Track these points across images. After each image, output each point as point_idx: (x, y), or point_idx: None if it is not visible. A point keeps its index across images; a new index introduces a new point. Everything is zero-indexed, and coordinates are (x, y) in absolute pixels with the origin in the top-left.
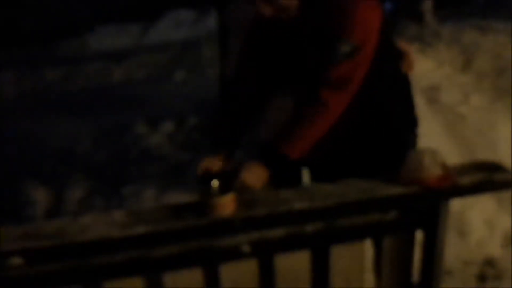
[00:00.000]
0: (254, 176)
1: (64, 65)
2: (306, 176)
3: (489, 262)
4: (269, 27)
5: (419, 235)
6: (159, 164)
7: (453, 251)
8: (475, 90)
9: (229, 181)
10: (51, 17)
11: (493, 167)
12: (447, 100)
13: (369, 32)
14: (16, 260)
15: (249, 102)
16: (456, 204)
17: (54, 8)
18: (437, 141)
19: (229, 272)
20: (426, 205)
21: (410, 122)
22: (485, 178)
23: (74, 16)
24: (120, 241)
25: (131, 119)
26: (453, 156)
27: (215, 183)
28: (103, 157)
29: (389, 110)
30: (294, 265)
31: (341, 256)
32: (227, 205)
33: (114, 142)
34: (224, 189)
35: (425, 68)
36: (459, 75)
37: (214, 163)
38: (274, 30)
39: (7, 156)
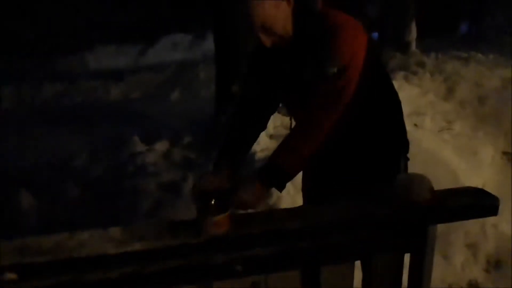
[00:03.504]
0: (251, 194)
1: (63, 81)
2: None
3: (473, 286)
4: (268, 54)
5: (407, 258)
6: (154, 180)
7: (438, 274)
8: (458, 117)
9: (226, 200)
10: (53, 33)
11: (480, 193)
12: (431, 126)
13: (355, 54)
14: (10, 276)
15: (251, 124)
16: (440, 227)
17: (57, 24)
18: (423, 166)
19: None
20: (414, 228)
21: (401, 145)
22: (472, 203)
23: (76, 34)
24: (116, 258)
25: (127, 136)
26: (438, 181)
27: (211, 201)
28: (99, 171)
29: (381, 133)
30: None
31: (331, 277)
32: (222, 223)
33: (111, 158)
34: (220, 208)
35: (410, 95)
36: (442, 103)
37: (211, 181)
38: (273, 56)
39: (2, 167)
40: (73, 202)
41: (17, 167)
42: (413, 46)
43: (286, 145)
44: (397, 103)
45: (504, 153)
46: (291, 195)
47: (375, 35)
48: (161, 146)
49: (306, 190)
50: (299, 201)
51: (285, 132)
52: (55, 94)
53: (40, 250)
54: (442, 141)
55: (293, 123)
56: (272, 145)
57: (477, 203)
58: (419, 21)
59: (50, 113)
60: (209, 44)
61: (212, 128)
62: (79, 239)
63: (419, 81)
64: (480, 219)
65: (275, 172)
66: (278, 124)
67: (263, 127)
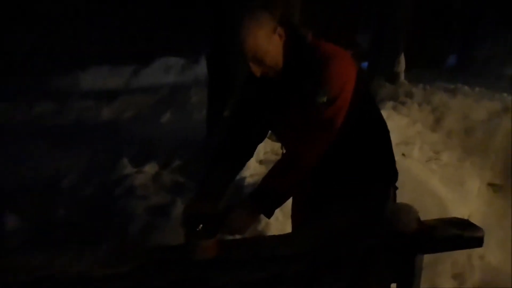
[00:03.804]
0: (240, 220)
1: (55, 100)
2: None
3: None
4: (259, 83)
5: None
6: (142, 204)
7: None
8: (445, 147)
9: (215, 225)
10: (46, 52)
11: (465, 224)
12: (419, 156)
13: (344, 85)
14: None
15: (239, 151)
16: (428, 257)
17: (50, 43)
18: (410, 195)
19: None
20: (401, 258)
21: (389, 175)
22: (457, 234)
23: (69, 53)
24: (101, 281)
25: (117, 157)
26: (426, 210)
27: (199, 226)
28: (87, 193)
29: (370, 162)
30: None
31: None
32: (211, 247)
33: (100, 179)
34: (209, 232)
35: (399, 124)
36: (430, 133)
37: (199, 206)
38: (263, 85)
39: None
40: (60, 223)
41: (3, 187)
42: (402, 76)
43: (275, 173)
44: (386, 133)
45: (490, 184)
46: (280, 222)
47: (365, 65)
48: (150, 168)
49: (295, 216)
50: (288, 227)
51: (275, 158)
52: (46, 113)
53: (26, 269)
54: (430, 171)
55: (284, 151)
56: (262, 170)
57: (462, 235)
58: (408, 52)
59: (41, 132)
60: (201, 68)
61: (202, 152)
62: (64, 260)
63: (408, 111)
64: (466, 250)
65: (264, 199)
66: (268, 150)
67: (251, 154)
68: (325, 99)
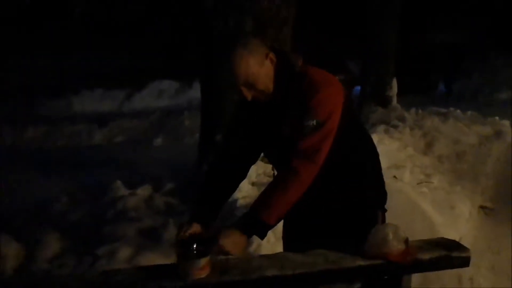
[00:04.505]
0: (232, 242)
1: (46, 124)
2: None
3: None
4: (251, 107)
5: None
6: (134, 226)
7: None
8: (436, 171)
9: (206, 246)
10: (38, 76)
11: (452, 245)
12: (410, 179)
13: (331, 109)
14: None
15: (231, 173)
16: (417, 280)
17: (42, 67)
18: (401, 217)
19: None
20: (389, 278)
21: (378, 197)
22: (444, 255)
23: (61, 77)
24: None
25: (109, 180)
26: (415, 232)
27: (192, 246)
28: (78, 216)
29: (359, 184)
30: None
31: None
32: (203, 268)
33: (91, 202)
34: (200, 254)
35: (391, 148)
36: (422, 157)
37: (193, 228)
38: (255, 109)
39: None
40: (52, 247)
41: None
42: (394, 101)
43: (268, 196)
44: (375, 157)
45: (482, 207)
46: (271, 243)
47: (358, 89)
48: (143, 191)
49: (286, 238)
50: (279, 249)
51: (267, 180)
52: (37, 137)
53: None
54: (420, 194)
55: (275, 172)
56: (254, 192)
57: (449, 255)
58: (400, 77)
59: (32, 156)
60: (194, 92)
61: (194, 176)
62: (57, 282)
63: (399, 135)
64: (456, 272)
65: (256, 222)
66: (260, 172)
67: (243, 177)
68: (314, 122)
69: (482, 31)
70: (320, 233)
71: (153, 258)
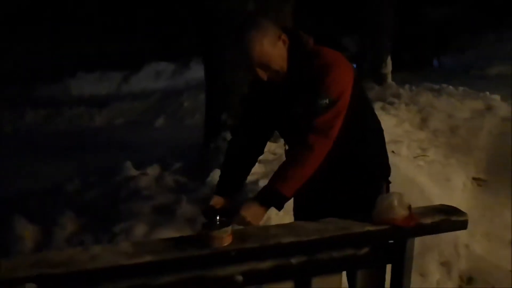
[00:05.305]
0: (253, 213)
1: (45, 108)
2: None
3: None
4: (265, 87)
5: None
6: (148, 204)
7: None
8: (432, 145)
9: (229, 217)
10: (33, 60)
11: (451, 210)
12: (407, 153)
13: (343, 88)
14: (30, 286)
15: (249, 149)
16: (417, 248)
17: (36, 51)
18: (400, 189)
19: None
20: (394, 242)
21: (384, 170)
22: (444, 219)
23: (57, 61)
24: (127, 270)
25: (117, 161)
26: (413, 203)
27: (216, 218)
28: (92, 196)
29: (367, 159)
30: None
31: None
32: (225, 238)
33: (103, 183)
34: (223, 224)
35: (388, 124)
36: (417, 132)
37: (218, 201)
38: (269, 89)
39: None
40: (68, 226)
41: (8, 193)
42: (389, 78)
43: (285, 170)
44: (380, 131)
45: (474, 178)
46: (279, 216)
47: (354, 67)
48: (152, 170)
49: (297, 210)
50: (286, 221)
51: (272, 157)
52: (38, 121)
53: (55, 263)
54: (417, 167)
55: (287, 147)
56: (261, 169)
57: (449, 219)
58: (394, 54)
59: (34, 140)
60: (192, 73)
61: (202, 154)
62: (92, 253)
63: (396, 111)
64: (453, 240)
65: (275, 194)
66: (265, 150)
67: (261, 152)
68: (327, 101)
69: (475, 7)
70: (330, 202)
71: (168, 234)
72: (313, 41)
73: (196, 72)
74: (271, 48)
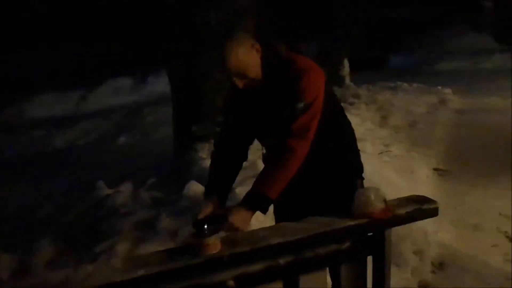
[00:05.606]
0: (240, 219)
1: (2, 133)
2: None
3: (423, 286)
4: (242, 94)
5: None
6: (127, 221)
7: (392, 280)
8: (394, 141)
9: (217, 225)
10: None
11: (422, 199)
12: (372, 150)
13: (316, 92)
14: None
15: (233, 154)
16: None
17: None
18: (370, 184)
19: None
20: (374, 234)
21: (357, 167)
22: (417, 208)
23: (5, 85)
24: (123, 285)
25: (87, 182)
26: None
27: (204, 227)
28: (68, 218)
29: (341, 158)
30: None
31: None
32: (215, 244)
33: (77, 204)
34: (211, 232)
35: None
36: (379, 129)
37: (204, 210)
38: (246, 96)
39: None
40: (46, 252)
41: None
42: (348, 79)
43: (268, 174)
44: (352, 131)
45: (436, 169)
46: (260, 222)
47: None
48: (126, 188)
49: (277, 212)
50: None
51: (245, 164)
52: None
53: (51, 284)
54: (383, 162)
55: (264, 151)
56: (245, 172)
57: (421, 207)
58: (351, 56)
59: None
60: (151, 87)
61: (174, 167)
62: (85, 272)
63: (357, 111)
64: (423, 229)
65: (262, 198)
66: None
67: (244, 157)
68: (302, 105)
69: (433, 5)
70: (309, 201)
71: (152, 249)
72: (285, 49)
73: (155, 85)
74: (246, 57)
